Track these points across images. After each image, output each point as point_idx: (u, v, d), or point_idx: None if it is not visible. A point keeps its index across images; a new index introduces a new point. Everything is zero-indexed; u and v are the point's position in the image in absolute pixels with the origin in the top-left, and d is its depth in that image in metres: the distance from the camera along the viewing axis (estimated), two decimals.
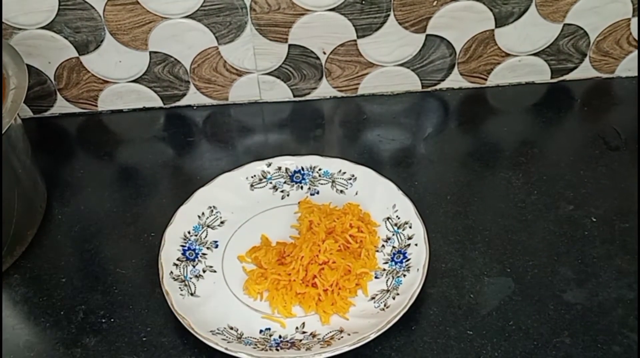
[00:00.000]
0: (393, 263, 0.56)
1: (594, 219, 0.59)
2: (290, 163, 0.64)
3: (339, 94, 0.75)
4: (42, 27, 0.67)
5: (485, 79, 0.75)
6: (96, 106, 0.75)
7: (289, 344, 0.50)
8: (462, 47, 0.72)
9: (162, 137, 0.73)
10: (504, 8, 0.68)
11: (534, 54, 0.73)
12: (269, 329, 0.52)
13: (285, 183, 0.63)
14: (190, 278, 0.55)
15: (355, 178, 0.62)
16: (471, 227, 0.59)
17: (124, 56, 0.70)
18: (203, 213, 0.60)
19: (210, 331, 0.50)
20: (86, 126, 0.75)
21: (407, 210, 0.58)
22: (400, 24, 0.69)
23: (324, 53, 0.71)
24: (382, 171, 0.62)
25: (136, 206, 0.64)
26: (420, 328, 0.51)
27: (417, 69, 0.73)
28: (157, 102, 0.75)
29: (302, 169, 0.64)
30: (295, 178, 0.63)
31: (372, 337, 0.48)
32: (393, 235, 0.58)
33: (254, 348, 0.49)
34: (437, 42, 0.71)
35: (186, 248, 0.57)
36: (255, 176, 0.63)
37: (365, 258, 0.55)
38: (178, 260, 0.56)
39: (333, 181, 0.63)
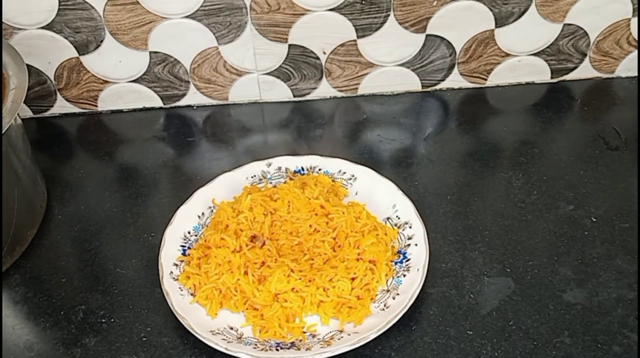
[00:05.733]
0: (393, 263, 0.55)
1: (594, 220, 0.59)
2: (290, 163, 0.64)
3: (339, 94, 0.75)
4: (42, 27, 0.67)
5: (485, 79, 0.75)
6: (96, 106, 0.75)
7: (289, 344, 0.50)
8: (462, 47, 0.72)
9: (162, 137, 0.73)
10: (504, 8, 0.68)
11: (534, 54, 0.73)
12: None
13: (285, 183, 0.63)
14: None
15: (355, 178, 0.62)
16: (471, 227, 0.59)
17: (124, 56, 0.70)
18: (203, 213, 0.60)
19: (210, 331, 0.50)
20: (86, 126, 0.75)
21: (407, 210, 0.58)
22: (400, 24, 0.69)
23: (324, 53, 0.71)
24: (382, 171, 0.62)
25: (136, 206, 0.64)
26: (420, 328, 0.51)
27: (417, 69, 0.73)
28: (157, 102, 0.75)
29: (302, 169, 0.63)
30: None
31: (372, 337, 0.48)
32: None
33: (254, 348, 0.49)
34: (437, 42, 0.71)
35: (186, 248, 0.57)
36: (255, 176, 0.63)
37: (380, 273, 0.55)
38: (178, 259, 0.56)
39: (333, 181, 0.63)
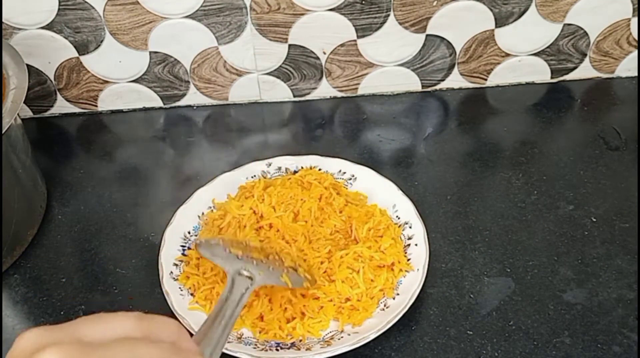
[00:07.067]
0: None
1: (594, 220, 0.59)
2: (290, 163, 0.64)
3: (339, 94, 0.75)
4: (42, 27, 0.67)
5: (485, 79, 0.75)
6: (96, 106, 0.75)
7: (289, 344, 0.50)
8: (462, 47, 0.72)
9: (162, 137, 0.73)
10: (504, 8, 0.68)
11: (534, 54, 0.73)
12: None
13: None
14: None
15: (355, 178, 0.62)
16: (471, 227, 0.59)
17: (124, 56, 0.70)
18: (203, 213, 0.60)
19: None
20: (86, 126, 0.75)
21: (407, 210, 0.58)
22: (400, 24, 0.69)
23: (324, 53, 0.71)
24: (382, 171, 0.62)
25: (136, 206, 0.64)
26: (420, 328, 0.51)
27: (417, 69, 0.73)
28: (157, 102, 0.75)
29: (302, 169, 0.63)
30: None
31: (372, 337, 0.48)
32: None
33: (254, 348, 0.49)
34: (437, 42, 0.71)
35: (186, 248, 0.57)
36: (255, 176, 0.63)
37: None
38: (178, 259, 0.56)
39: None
